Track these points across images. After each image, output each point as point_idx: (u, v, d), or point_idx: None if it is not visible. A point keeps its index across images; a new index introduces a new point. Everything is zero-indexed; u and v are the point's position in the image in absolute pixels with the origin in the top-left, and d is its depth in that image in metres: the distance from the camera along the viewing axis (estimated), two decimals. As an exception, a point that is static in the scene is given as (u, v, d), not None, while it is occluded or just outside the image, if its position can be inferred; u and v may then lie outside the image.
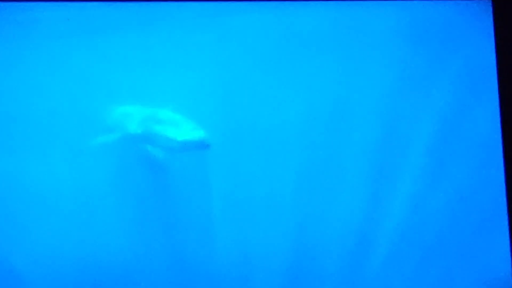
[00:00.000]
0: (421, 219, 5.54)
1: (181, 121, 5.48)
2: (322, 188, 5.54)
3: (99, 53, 5.59)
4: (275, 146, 5.54)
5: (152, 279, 5.39)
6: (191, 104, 5.58)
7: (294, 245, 5.46)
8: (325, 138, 5.57)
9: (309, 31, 5.54)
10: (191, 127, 5.41)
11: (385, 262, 5.52)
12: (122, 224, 5.44)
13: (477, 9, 5.34)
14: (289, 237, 5.45)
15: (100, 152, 5.49)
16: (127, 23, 5.51)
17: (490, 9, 5.27)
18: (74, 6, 5.31)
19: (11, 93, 5.48)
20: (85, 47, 5.54)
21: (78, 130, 5.50)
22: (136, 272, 5.38)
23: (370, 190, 5.56)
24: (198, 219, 5.55)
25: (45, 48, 5.50)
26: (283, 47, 5.56)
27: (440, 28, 5.50)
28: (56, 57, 5.53)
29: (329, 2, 5.49)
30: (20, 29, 5.43)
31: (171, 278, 5.41)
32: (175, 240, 5.50)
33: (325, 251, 5.52)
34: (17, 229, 5.29)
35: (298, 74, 5.56)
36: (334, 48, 5.54)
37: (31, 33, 5.46)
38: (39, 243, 5.30)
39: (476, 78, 5.42)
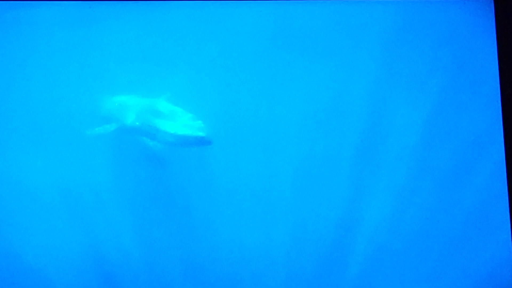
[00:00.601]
0: (422, 218, 5.53)
1: (182, 115, 5.39)
2: (321, 184, 5.57)
3: (97, 44, 5.62)
4: (271, 142, 5.59)
5: (147, 272, 5.40)
6: (188, 96, 5.52)
7: (289, 239, 5.48)
8: (325, 136, 5.63)
9: (310, 29, 5.61)
10: (193, 123, 5.31)
11: (385, 259, 5.53)
12: (118, 217, 5.46)
13: (479, 8, 5.32)
14: (284, 232, 5.48)
15: (98, 143, 5.46)
16: (126, 16, 5.53)
17: (492, 8, 5.21)
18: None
19: (6, 85, 5.51)
20: (82, 38, 5.57)
21: (76, 120, 5.50)
22: (130, 263, 5.38)
23: (372, 189, 5.55)
24: (196, 213, 5.59)
25: (43, 40, 5.55)
26: (283, 45, 5.64)
27: (442, 27, 5.49)
28: (53, 47, 5.57)
29: (329, 2, 5.54)
30: (17, 22, 5.44)
31: (167, 271, 5.43)
32: (172, 234, 5.53)
33: (327, 246, 5.58)
34: (15, 224, 5.30)
35: (298, 71, 5.64)
36: (334, 47, 5.59)
37: (28, 25, 5.48)
38: (35, 236, 5.30)
39: (478, 76, 5.39)
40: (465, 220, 5.44)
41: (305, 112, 5.66)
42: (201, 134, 5.26)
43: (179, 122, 5.38)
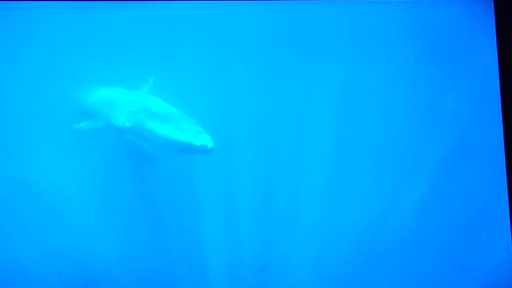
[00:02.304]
0: (424, 220, 5.53)
1: (181, 119, 4.96)
2: (321, 186, 5.57)
3: (94, 40, 5.39)
4: (270, 144, 5.51)
5: (134, 275, 5.26)
6: (184, 96, 5.19)
7: (286, 242, 5.47)
8: (325, 136, 5.62)
9: (310, 29, 5.59)
10: (195, 130, 4.89)
11: (388, 261, 5.53)
12: (107, 218, 5.30)
13: (479, 8, 5.32)
14: (282, 235, 5.47)
15: (85, 139, 5.12)
16: (122, 12, 5.32)
17: (492, 8, 5.21)
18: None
19: None
20: (73, 31, 5.36)
21: (62, 115, 5.18)
22: (119, 265, 5.24)
23: (374, 192, 5.56)
24: (190, 217, 5.45)
25: (29, 34, 5.34)
26: (281, 45, 5.60)
27: (442, 27, 5.49)
28: (42, 42, 5.35)
29: (329, 1, 5.53)
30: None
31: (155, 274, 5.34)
32: (164, 238, 5.40)
33: (329, 253, 5.57)
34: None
35: (297, 71, 5.60)
36: (334, 48, 5.59)
37: (10, 19, 5.27)
38: (17, 234, 5.16)
39: (478, 76, 5.39)
40: (465, 221, 5.44)
41: (303, 112, 5.63)
42: (204, 143, 4.86)
43: (178, 127, 4.98)
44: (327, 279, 5.49)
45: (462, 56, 5.47)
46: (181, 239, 5.47)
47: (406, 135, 5.60)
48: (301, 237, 5.50)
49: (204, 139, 4.88)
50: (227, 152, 5.37)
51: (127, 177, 5.48)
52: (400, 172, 5.61)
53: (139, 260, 5.39)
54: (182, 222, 5.49)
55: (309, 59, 5.67)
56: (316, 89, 5.64)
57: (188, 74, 5.47)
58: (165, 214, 5.50)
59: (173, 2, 5.41)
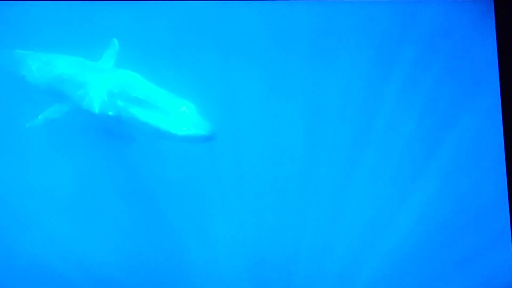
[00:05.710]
0: (424, 221, 5.52)
1: (173, 104, 4.18)
2: (320, 182, 5.55)
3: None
4: (267, 140, 5.39)
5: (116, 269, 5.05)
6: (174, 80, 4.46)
7: (289, 237, 5.38)
8: (326, 135, 5.58)
9: (310, 28, 5.54)
10: (193, 117, 4.16)
11: (388, 261, 5.52)
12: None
13: (479, 8, 5.33)
14: (283, 230, 5.38)
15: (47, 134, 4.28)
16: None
17: (492, 8, 5.23)
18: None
19: None
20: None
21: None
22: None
23: (374, 191, 5.53)
24: (189, 210, 5.24)
25: None
26: (279, 41, 5.51)
27: (442, 26, 5.50)
28: None
29: (329, 1, 5.53)
30: None
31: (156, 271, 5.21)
32: (161, 233, 5.21)
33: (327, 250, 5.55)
34: None
35: (297, 68, 5.52)
36: (334, 47, 5.59)
37: None
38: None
39: (478, 76, 5.40)
40: (465, 221, 5.43)
41: (303, 110, 5.58)
42: (205, 134, 4.16)
43: (172, 114, 4.20)
44: (329, 278, 5.46)
45: (462, 56, 5.47)
46: (177, 233, 5.32)
47: (405, 135, 5.59)
48: (304, 233, 5.44)
49: (204, 129, 4.19)
50: (229, 140, 4.92)
51: (110, 165, 4.94)
52: (399, 172, 5.60)
53: (134, 257, 5.27)
54: (180, 216, 5.26)
55: (309, 56, 5.63)
56: (315, 88, 5.62)
57: (173, 45, 4.84)
58: (161, 207, 5.26)
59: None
